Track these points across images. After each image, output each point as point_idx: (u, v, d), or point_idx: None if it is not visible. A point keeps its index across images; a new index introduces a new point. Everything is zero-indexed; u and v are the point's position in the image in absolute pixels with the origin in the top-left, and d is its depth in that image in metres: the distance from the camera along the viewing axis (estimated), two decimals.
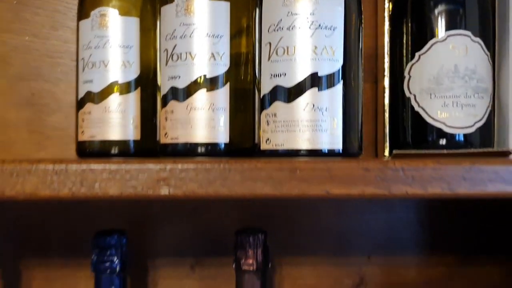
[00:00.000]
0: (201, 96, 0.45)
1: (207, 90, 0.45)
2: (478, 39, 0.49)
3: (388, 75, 0.54)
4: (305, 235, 0.67)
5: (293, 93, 0.41)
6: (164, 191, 0.30)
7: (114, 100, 0.51)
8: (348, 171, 0.31)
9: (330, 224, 0.67)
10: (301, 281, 0.67)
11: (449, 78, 0.49)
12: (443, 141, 0.49)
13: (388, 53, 0.53)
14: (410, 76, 0.50)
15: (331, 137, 0.41)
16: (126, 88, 0.51)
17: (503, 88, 0.53)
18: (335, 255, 0.67)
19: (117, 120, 0.51)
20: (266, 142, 0.42)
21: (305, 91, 0.41)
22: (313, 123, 0.40)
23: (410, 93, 0.50)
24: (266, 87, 0.43)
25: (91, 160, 0.31)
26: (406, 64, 0.51)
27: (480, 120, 0.49)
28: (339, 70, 0.42)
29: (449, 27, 0.49)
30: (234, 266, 0.57)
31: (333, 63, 0.42)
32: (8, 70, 0.65)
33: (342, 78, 0.42)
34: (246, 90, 0.47)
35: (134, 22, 0.52)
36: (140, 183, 0.30)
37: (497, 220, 0.68)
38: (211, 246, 0.66)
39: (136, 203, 0.65)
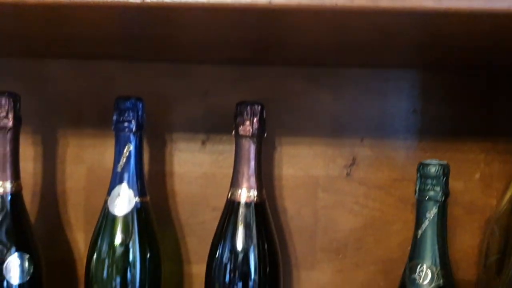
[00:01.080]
0: None
1: None
2: None
3: None
4: (304, 117, 0.71)
5: None
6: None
7: None
8: None
9: (327, 108, 0.71)
10: (298, 159, 0.72)
11: None
12: None
13: None
14: None
15: None
16: None
17: None
18: (330, 136, 0.71)
19: None
20: None
21: None
22: None
23: None
24: None
25: None
26: None
27: None
28: None
29: None
30: (233, 133, 0.63)
31: None
32: None
33: None
34: None
35: None
36: None
37: (481, 106, 0.72)
38: (219, 125, 0.72)
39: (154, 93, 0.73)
